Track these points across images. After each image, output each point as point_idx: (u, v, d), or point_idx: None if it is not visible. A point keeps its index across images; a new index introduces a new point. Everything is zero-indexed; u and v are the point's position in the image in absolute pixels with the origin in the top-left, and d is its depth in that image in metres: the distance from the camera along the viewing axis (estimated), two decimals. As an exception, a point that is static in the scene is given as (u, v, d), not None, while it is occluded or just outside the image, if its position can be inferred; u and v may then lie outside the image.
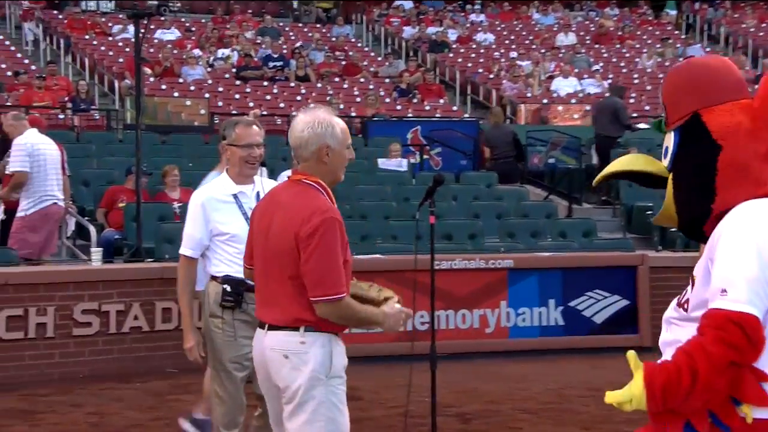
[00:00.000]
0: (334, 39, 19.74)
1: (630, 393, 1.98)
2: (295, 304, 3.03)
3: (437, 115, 15.74)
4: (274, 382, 3.09)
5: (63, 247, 8.85)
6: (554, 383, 6.68)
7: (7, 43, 16.97)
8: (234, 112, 14.72)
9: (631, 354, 2.02)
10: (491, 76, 18.46)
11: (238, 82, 16.36)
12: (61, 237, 8.73)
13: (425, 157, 13.53)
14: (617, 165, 2.29)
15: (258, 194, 4.03)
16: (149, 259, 7.68)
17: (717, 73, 2.19)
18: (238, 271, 3.83)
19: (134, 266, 7.25)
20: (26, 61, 16.03)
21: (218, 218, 4.01)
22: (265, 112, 14.87)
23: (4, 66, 15.15)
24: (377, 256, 7.79)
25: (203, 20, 19.93)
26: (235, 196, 4.02)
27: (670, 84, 2.24)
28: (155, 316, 6.86)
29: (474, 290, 7.61)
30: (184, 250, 4.10)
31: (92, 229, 8.53)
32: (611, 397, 1.99)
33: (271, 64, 17.25)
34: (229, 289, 3.91)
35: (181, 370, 6.77)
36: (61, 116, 13.43)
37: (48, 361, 6.51)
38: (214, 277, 4.03)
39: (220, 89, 15.75)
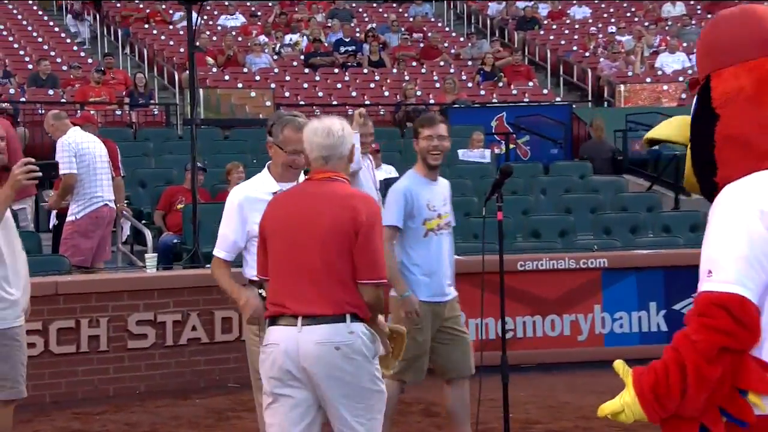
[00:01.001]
0: (411, 19, 19.73)
1: (621, 401, 1.99)
2: (341, 294, 3.45)
3: (525, 100, 15.56)
4: (317, 374, 3.45)
5: (118, 253, 9.06)
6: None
7: (63, 35, 17.52)
8: (302, 102, 14.86)
9: (618, 363, 2.01)
10: (587, 54, 18.14)
11: (306, 70, 16.51)
12: (116, 242, 8.94)
13: (511, 146, 13.38)
14: (656, 130, 2.28)
15: None
16: (209, 265, 7.76)
17: (743, 26, 2.07)
18: None
19: (192, 272, 7.36)
20: (83, 54, 16.52)
21: (257, 219, 4.04)
22: (335, 102, 14.98)
23: (59, 60, 15.62)
24: (456, 257, 7.70)
25: (270, 4, 20.18)
26: (274, 193, 4.05)
27: (698, 40, 2.20)
28: (215, 327, 6.94)
29: (564, 293, 7.47)
30: (218, 251, 4.18)
31: (148, 233, 8.70)
32: (604, 409, 2.00)
33: (342, 50, 17.36)
34: (265, 294, 3.93)
35: (243, 385, 6.80)
36: (118, 112, 13.78)
37: (102, 376, 6.64)
38: (251, 281, 4.06)
39: (287, 78, 15.92)
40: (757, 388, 1.91)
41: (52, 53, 15.96)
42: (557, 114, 14.22)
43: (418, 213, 4.63)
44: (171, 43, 17.28)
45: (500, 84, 16.35)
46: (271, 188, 4.10)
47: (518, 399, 6.35)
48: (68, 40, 17.35)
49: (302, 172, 4.19)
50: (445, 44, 18.58)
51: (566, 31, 19.59)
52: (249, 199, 4.10)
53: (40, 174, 4.18)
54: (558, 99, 16.35)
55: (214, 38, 17.49)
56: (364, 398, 3.53)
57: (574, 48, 18.59)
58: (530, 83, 16.58)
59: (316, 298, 3.45)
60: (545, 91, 16.60)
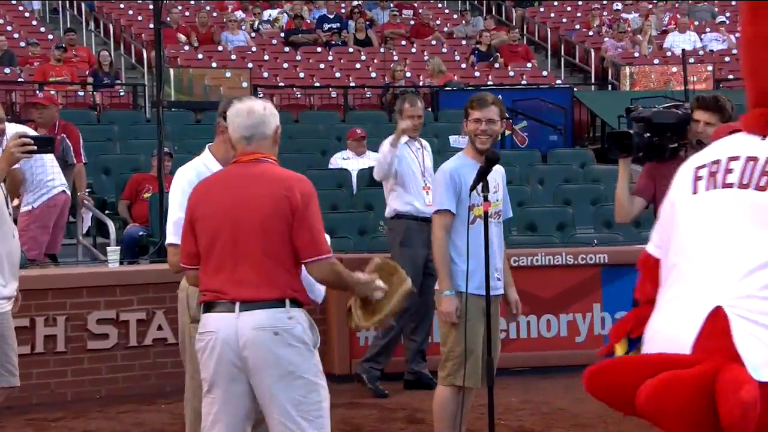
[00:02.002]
0: (400, -6, 19.71)
1: None
2: (281, 278, 3.58)
3: (523, 82, 15.59)
4: (256, 362, 3.53)
5: (79, 246, 9.04)
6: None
7: (21, 9, 17.42)
8: (281, 84, 14.84)
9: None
10: (590, 33, 18.17)
11: (287, 49, 16.49)
12: (76, 234, 8.92)
13: (507, 132, 13.39)
14: None
15: None
16: (176, 259, 7.76)
17: None
18: None
19: (158, 267, 7.32)
20: (42, 30, 16.44)
21: None
22: (317, 84, 14.95)
23: (16, 36, 15.55)
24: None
25: (247, -24, 20.08)
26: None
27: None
28: (182, 326, 6.93)
29: (561, 291, 7.49)
30: (171, 237, 4.15)
31: (111, 225, 8.69)
32: None
33: (326, 27, 17.34)
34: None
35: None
36: (81, 93, 13.72)
37: (59, 379, 6.62)
38: None
39: (266, 58, 15.90)
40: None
41: (9, 28, 15.88)
42: (557, 98, 14.25)
43: (465, 197, 4.62)
44: (139, 18, 17.21)
45: (496, 65, 16.37)
46: (216, 170, 4.11)
47: (510, 405, 6.38)
48: (26, 14, 17.25)
49: None
50: (437, 22, 18.58)
51: (568, 8, 19.63)
52: (196, 182, 4.08)
53: (35, 148, 4.35)
54: (558, 81, 16.38)
55: (187, 13, 17.44)
56: (310, 391, 3.58)
57: (577, 26, 18.62)
58: (529, 64, 16.60)
59: (254, 282, 3.56)
60: (545, 73, 16.63)
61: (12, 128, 7.02)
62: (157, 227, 8.56)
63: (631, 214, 4.73)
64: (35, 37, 15.23)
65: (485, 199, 4.36)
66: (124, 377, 6.79)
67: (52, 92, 11.90)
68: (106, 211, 9.51)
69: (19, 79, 13.51)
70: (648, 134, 4.63)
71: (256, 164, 3.68)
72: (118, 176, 10.12)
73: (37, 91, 11.90)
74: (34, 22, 16.87)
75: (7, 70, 13.83)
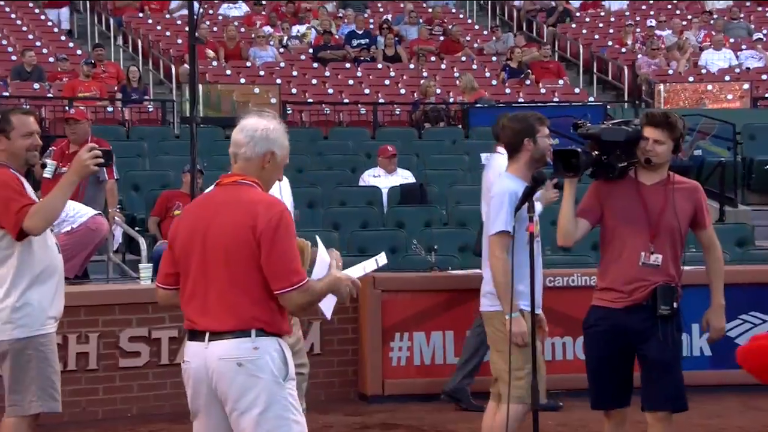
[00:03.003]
0: (430, 10, 19.80)
1: None
2: (245, 308, 3.49)
3: (555, 100, 15.59)
4: (223, 394, 3.48)
5: (109, 263, 9.11)
6: (701, 428, 6.48)
7: (49, 24, 17.63)
8: (310, 100, 14.93)
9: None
10: (623, 50, 18.16)
11: (315, 65, 16.58)
12: (107, 251, 9.00)
13: (540, 150, 13.36)
14: None
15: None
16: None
17: None
18: None
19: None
20: (71, 45, 16.62)
21: None
22: (346, 100, 15.03)
23: (45, 51, 15.73)
24: (478, 271, 7.71)
25: (275, -8, 20.26)
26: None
27: None
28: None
29: (598, 313, 7.45)
30: None
31: (142, 242, 8.75)
32: None
33: (354, 43, 17.43)
34: None
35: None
36: (110, 109, 13.86)
37: (90, 397, 6.67)
38: None
39: (295, 74, 15.99)
40: None
41: (38, 44, 16.08)
42: (591, 115, 14.20)
43: (522, 217, 4.60)
44: (167, 34, 17.37)
45: (527, 82, 16.38)
46: None
47: (546, 427, 6.35)
48: (55, 30, 17.46)
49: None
50: (467, 38, 18.63)
51: (601, 25, 19.62)
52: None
53: (103, 160, 4.46)
54: (591, 99, 16.36)
55: (215, 29, 17.58)
56: (278, 426, 3.47)
57: (610, 43, 18.60)
58: (560, 81, 16.61)
59: (221, 312, 3.50)
60: (577, 90, 16.63)
61: None
62: (188, 244, 8.61)
63: (574, 236, 4.55)
64: (64, 53, 15.39)
65: (530, 219, 4.36)
66: (155, 395, 6.83)
67: (82, 108, 12.03)
68: (136, 228, 9.58)
69: (49, 95, 13.66)
70: (596, 152, 4.50)
71: (233, 188, 3.58)
72: (147, 192, 10.21)
73: (67, 107, 12.04)
74: (63, 38, 17.06)
75: (36, 86, 13.99)
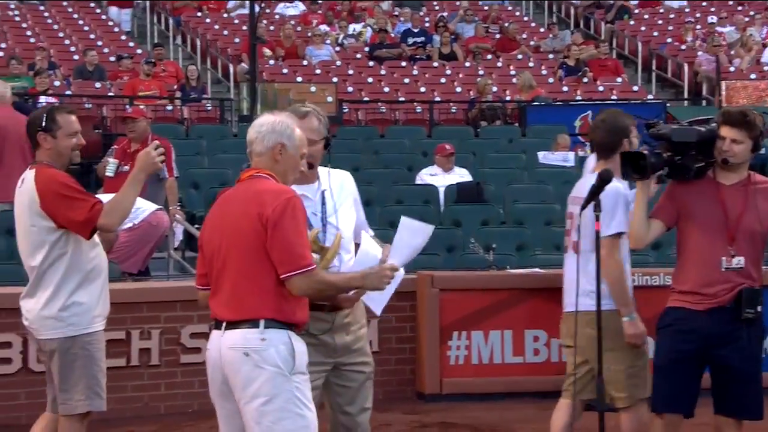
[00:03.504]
0: (486, 8, 19.73)
1: None
2: (254, 297, 3.53)
3: (613, 97, 15.45)
4: (232, 382, 3.54)
5: (170, 259, 9.23)
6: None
7: (110, 24, 17.88)
8: (366, 98, 14.96)
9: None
10: (683, 47, 17.92)
11: (371, 63, 16.61)
12: (167, 248, 9.11)
13: (598, 148, 13.25)
14: None
15: (323, 194, 4.09)
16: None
17: None
18: None
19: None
20: (131, 45, 16.85)
21: None
22: (402, 98, 15.03)
23: (106, 51, 15.96)
24: (536, 270, 7.69)
25: (331, -9, 20.34)
26: None
27: None
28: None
29: (658, 313, 7.35)
30: None
31: (202, 239, 8.84)
32: None
33: (410, 41, 17.43)
34: None
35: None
36: (169, 107, 14.02)
37: (153, 392, 6.75)
38: None
39: (351, 72, 16.04)
40: None
41: (99, 43, 16.32)
42: (649, 113, 13.97)
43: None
44: (225, 33, 17.53)
45: (585, 80, 16.25)
46: None
47: (610, 429, 6.29)
48: (116, 29, 17.71)
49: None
50: (524, 35, 18.53)
51: (660, 22, 19.40)
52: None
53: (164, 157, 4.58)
54: (650, 96, 16.19)
55: (272, 28, 17.70)
56: (281, 419, 3.50)
57: (669, 40, 18.38)
58: (619, 79, 16.45)
59: (233, 302, 3.56)
60: (635, 88, 16.45)
61: None
62: (247, 242, 8.68)
63: (646, 239, 4.47)
64: (125, 52, 15.61)
65: (597, 218, 4.32)
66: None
67: (142, 107, 12.18)
68: (196, 225, 9.67)
69: (109, 94, 13.86)
70: (669, 153, 4.39)
71: (250, 182, 3.65)
72: (207, 190, 10.30)
73: (127, 106, 12.20)
74: (123, 37, 17.30)
75: (98, 85, 14.21)
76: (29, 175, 4.52)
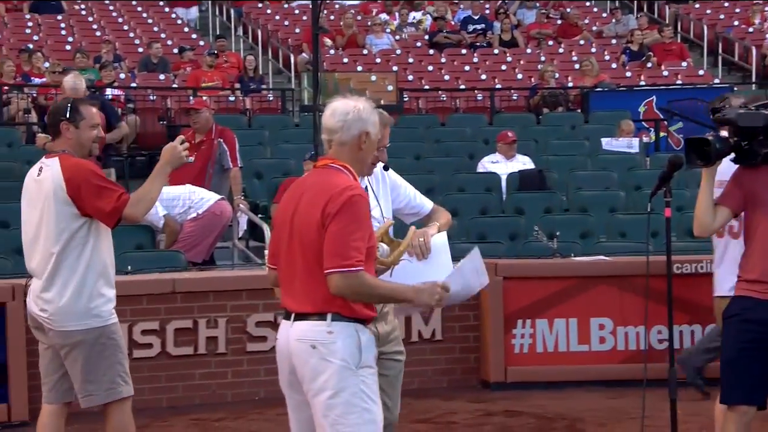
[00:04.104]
0: (546, -7, 19.54)
1: None
2: (321, 290, 3.50)
3: (678, 82, 15.22)
4: (300, 374, 3.55)
5: (234, 249, 9.32)
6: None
7: (173, 16, 18.08)
8: (426, 87, 14.93)
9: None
10: (750, 29, 17.56)
11: (431, 51, 16.56)
12: (231, 238, 9.21)
13: (662, 134, 13.10)
14: None
15: (365, 190, 4.01)
16: (330, 263, 7.92)
17: None
18: None
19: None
20: (194, 37, 17.02)
21: None
22: (462, 86, 14.98)
23: (170, 43, 16.14)
24: (600, 257, 7.63)
25: (390, -21, 20.30)
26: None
27: None
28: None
29: (728, 301, 7.27)
30: None
31: (266, 229, 8.90)
32: None
33: (470, 28, 17.35)
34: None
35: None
36: (232, 98, 14.14)
37: (220, 380, 6.84)
38: None
39: (411, 60, 16.01)
40: None
41: (163, 35, 16.51)
42: (715, 97, 13.83)
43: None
44: (286, 23, 17.62)
45: (649, 64, 16.02)
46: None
47: (678, 418, 6.23)
48: (179, 22, 17.90)
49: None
50: (586, 21, 18.33)
51: (726, 4, 19.04)
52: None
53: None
54: (716, 81, 15.91)
55: (332, 17, 17.74)
56: (348, 413, 3.48)
57: (735, 23, 18.03)
58: (684, 63, 16.20)
59: (301, 294, 3.56)
60: (701, 72, 16.18)
61: None
62: (310, 231, 8.74)
63: (711, 227, 4.35)
64: (188, 44, 15.77)
65: (667, 205, 4.26)
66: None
67: (204, 98, 12.30)
68: (259, 215, 9.75)
69: (173, 85, 14.02)
70: (736, 138, 4.27)
71: (323, 171, 3.62)
72: (270, 180, 10.38)
73: (190, 97, 12.33)
74: (186, 30, 17.49)
75: (161, 77, 14.38)
76: (52, 163, 4.51)
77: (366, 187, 4.07)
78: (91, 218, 4.45)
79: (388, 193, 4.25)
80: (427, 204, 4.36)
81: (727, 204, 4.38)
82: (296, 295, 3.57)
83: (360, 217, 3.49)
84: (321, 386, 3.49)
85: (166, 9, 18.23)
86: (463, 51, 16.63)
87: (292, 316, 3.58)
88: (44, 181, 4.49)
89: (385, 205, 4.19)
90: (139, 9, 17.88)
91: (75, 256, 4.43)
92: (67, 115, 4.55)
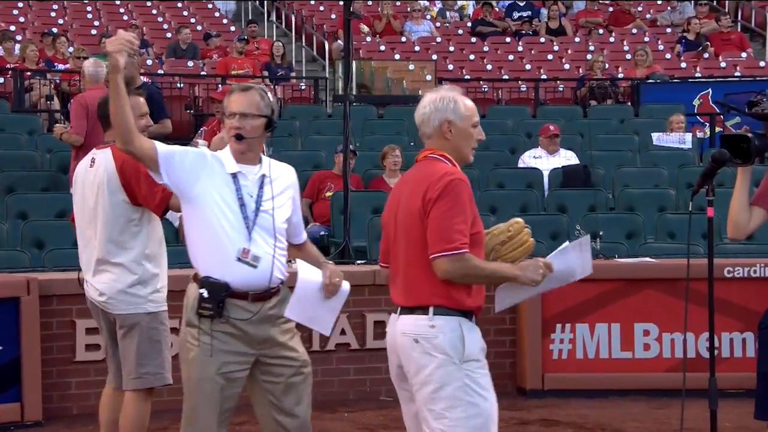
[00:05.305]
0: (597, -21, 19.40)
1: None
2: (424, 284, 3.67)
3: (737, 74, 15.04)
4: (405, 368, 3.73)
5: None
6: None
7: (209, 7, 18.16)
8: (467, 77, 14.89)
9: None
10: (815, 18, 17.33)
11: (473, 40, 16.50)
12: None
13: (718, 129, 12.94)
14: None
15: (263, 178, 4.07)
16: (359, 261, 7.93)
17: None
18: (222, 271, 3.98)
19: (341, 269, 7.48)
20: (225, 22, 17.10)
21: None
22: (506, 77, 14.92)
23: (200, 28, 16.22)
24: (646, 259, 7.56)
25: (432, -37, 20.26)
26: (234, 175, 4.07)
27: None
28: (365, 331, 7.07)
29: (782, 307, 7.18)
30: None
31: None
32: None
33: (516, 15, 17.28)
34: (206, 294, 3.99)
35: (397, 399, 6.93)
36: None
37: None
38: (195, 277, 4.11)
39: (452, 49, 15.97)
40: None
41: (192, 20, 16.60)
42: (772, 92, 13.65)
43: None
44: (321, 9, 17.65)
45: (706, 55, 15.86)
46: (231, 168, 4.12)
47: (724, 430, 6.16)
48: (209, 5, 17.98)
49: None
50: (639, 8, 18.17)
51: (789, -9, 18.77)
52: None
53: None
54: (777, 73, 15.71)
55: (369, 3, 17.75)
56: (452, 407, 3.62)
57: (800, 11, 17.79)
58: (743, 54, 16.00)
59: (404, 288, 3.75)
60: (762, 64, 15.97)
61: None
62: (340, 227, 8.75)
63: (746, 229, 4.24)
64: (219, 30, 15.82)
65: (709, 204, 4.20)
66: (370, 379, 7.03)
67: (233, 85, 12.33)
68: (288, 210, 9.76)
69: (202, 73, 14.09)
70: None
71: (423, 163, 3.82)
72: (300, 173, 10.24)
73: (219, 85, 12.39)
74: (217, 14, 17.56)
75: (190, 64, 14.46)
76: (105, 154, 4.81)
77: (264, 176, 4.07)
78: (142, 207, 4.75)
79: (290, 197, 4.22)
80: (304, 233, 4.38)
81: (763, 205, 4.29)
82: (400, 289, 3.75)
83: (461, 201, 3.64)
84: (425, 380, 3.65)
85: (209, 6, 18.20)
86: (508, 39, 16.56)
87: (398, 309, 3.77)
88: (97, 170, 4.80)
89: (280, 204, 4.12)
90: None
91: (131, 244, 4.74)
92: None
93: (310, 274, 4.15)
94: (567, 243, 3.99)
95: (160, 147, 4.08)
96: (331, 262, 4.46)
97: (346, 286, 4.19)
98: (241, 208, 4.02)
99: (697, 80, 14.52)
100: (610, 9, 17.94)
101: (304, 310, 4.11)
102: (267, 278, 4.04)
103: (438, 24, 17.09)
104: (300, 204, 4.41)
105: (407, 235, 3.73)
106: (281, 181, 4.17)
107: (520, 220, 4.00)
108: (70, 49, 13.68)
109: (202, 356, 4.05)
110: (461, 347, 3.64)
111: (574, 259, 3.95)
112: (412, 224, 3.70)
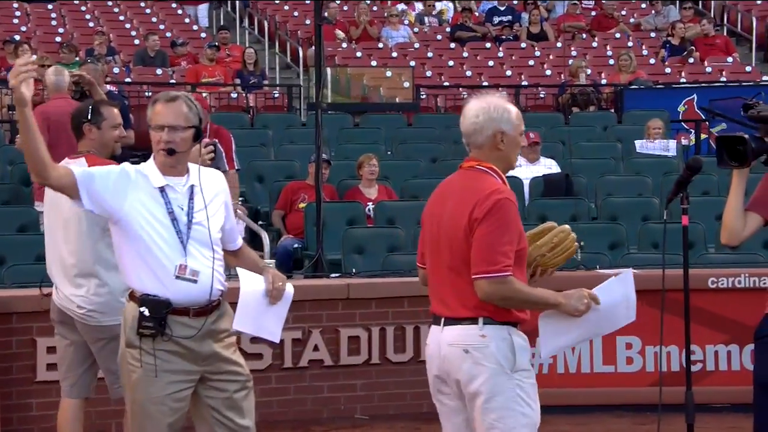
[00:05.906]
0: (580, -17, 19.50)
1: None
2: (471, 295, 3.73)
3: (722, 79, 15.14)
4: (453, 378, 3.80)
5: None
6: None
7: (174, 5, 18.13)
8: (446, 83, 14.92)
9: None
10: (802, 22, 17.46)
11: (452, 45, 16.55)
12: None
13: (703, 136, 13.02)
14: None
15: (192, 189, 4.07)
16: (334, 275, 7.91)
17: None
18: (161, 289, 3.98)
19: (314, 283, 7.49)
20: (195, 28, 17.07)
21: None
22: (486, 83, 14.96)
23: (169, 35, 16.20)
24: (629, 270, 7.54)
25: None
26: (161, 189, 4.08)
27: None
28: (340, 347, 7.04)
29: None
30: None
31: (265, 236, 8.91)
32: None
33: (496, 20, 17.34)
34: (147, 312, 3.98)
35: (373, 416, 6.92)
36: (234, 95, 14.17)
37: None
38: (131, 296, 4.10)
39: (430, 55, 16.00)
40: None
41: (161, 26, 16.57)
42: (764, 96, 13.73)
43: None
44: (295, 14, 17.66)
45: (691, 60, 15.95)
46: (157, 182, 4.14)
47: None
48: (179, 11, 17.95)
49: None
50: (623, 12, 18.27)
51: (776, -6, 18.93)
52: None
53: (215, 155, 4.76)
54: (765, 78, 15.80)
55: (345, 8, 17.77)
56: (504, 417, 3.72)
57: (787, 15, 17.93)
58: (729, 59, 16.11)
59: (451, 299, 3.81)
60: (748, 69, 16.09)
61: None
62: (313, 239, 8.72)
63: (741, 235, 4.22)
64: (189, 36, 15.79)
65: (684, 212, 4.23)
66: (278, 401, 6.93)
67: (204, 94, 12.31)
68: (259, 222, 9.76)
69: (171, 81, 14.06)
70: None
71: (470, 173, 3.85)
72: (271, 184, 10.38)
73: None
74: (187, 20, 17.53)
75: (159, 71, 14.42)
76: (78, 163, 4.78)
77: (193, 186, 4.08)
78: None
79: (222, 204, 4.19)
80: (239, 238, 4.37)
81: (758, 211, 4.29)
82: (446, 300, 3.82)
83: (508, 221, 3.72)
84: (476, 390, 3.74)
85: (173, 5, 18.16)
86: (488, 45, 16.62)
87: (442, 320, 3.82)
88: None
89: (213, 213, 4.12)
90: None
91: (106, 254, 4.78)
92: (89, 117, 5.03)
93: (252, 283, 4.12)
94: (612, 278, 4.08)
95: (78, 172, 4.05)
96: (272, 263, 4.45)
97: (290, 289, 4.17)
98: (172, 223, 4.02)
99: (682, 86, 14.61)
100: (593, 13, 18.03)
101: (252, 320, 4.09)
102: (207, 292, 4.03)
103: (416, 29, 17.12)
104: (233, 209, 4.42)
105: (452, 248, 3.78)
106: (211, 188, 4.15)
107: (566, 227, 4.07)
108: (33, 57, 13.61)
109: (146, 377, 4.03)
110: (512, 357, 3.74)
111: (618, 295, 4.04)
112: (458, 238, 3.76)
